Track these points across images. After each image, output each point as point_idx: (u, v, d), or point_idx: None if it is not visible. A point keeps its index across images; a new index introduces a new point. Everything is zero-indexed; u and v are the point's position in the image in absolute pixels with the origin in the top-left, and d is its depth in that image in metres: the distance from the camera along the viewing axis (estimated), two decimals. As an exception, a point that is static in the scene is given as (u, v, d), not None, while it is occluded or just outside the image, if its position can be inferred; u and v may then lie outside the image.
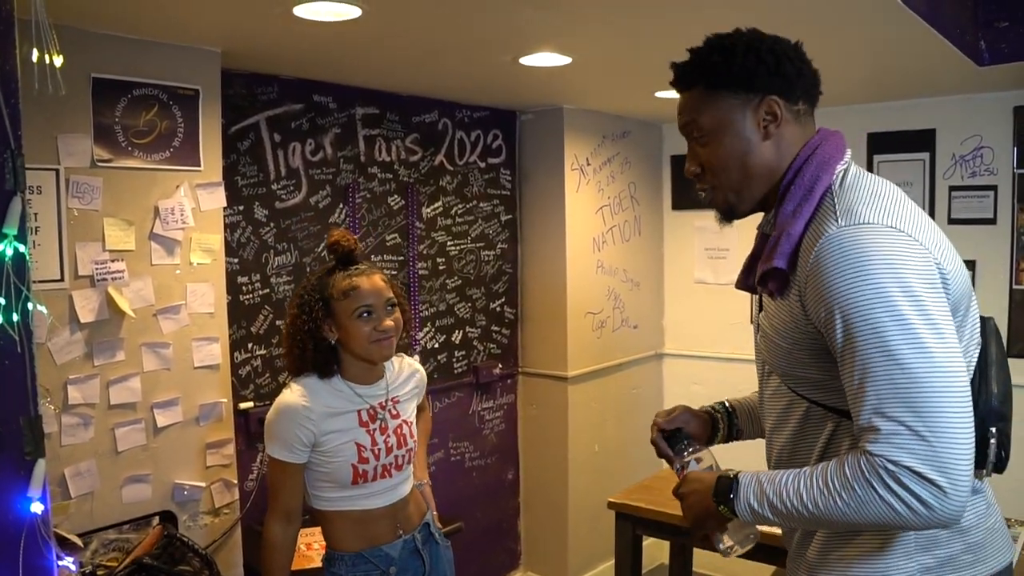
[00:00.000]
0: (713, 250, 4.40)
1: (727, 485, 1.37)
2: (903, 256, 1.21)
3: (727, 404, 1.83)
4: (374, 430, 2.08)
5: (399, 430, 2.14)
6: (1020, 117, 3.47)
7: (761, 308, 1.48)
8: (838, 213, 1.28)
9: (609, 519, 3.08)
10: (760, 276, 1.37)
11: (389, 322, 2.04)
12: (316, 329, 2.03)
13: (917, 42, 2.60)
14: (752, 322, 1.59)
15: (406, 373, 2.24)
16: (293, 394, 2.01)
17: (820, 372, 1.34)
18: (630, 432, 4.35)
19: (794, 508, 1.27)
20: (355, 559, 2.05)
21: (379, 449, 2.07)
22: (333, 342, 2.05)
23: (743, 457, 1.86)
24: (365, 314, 2.01)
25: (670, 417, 1.71)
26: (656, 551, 3.99)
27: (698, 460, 1.60)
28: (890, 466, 1.16)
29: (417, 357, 3.55)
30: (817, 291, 1.25)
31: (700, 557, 3.44)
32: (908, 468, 1.15)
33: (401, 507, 2.13)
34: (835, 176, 1.35)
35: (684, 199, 4.47)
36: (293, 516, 2.04)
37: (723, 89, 1.39)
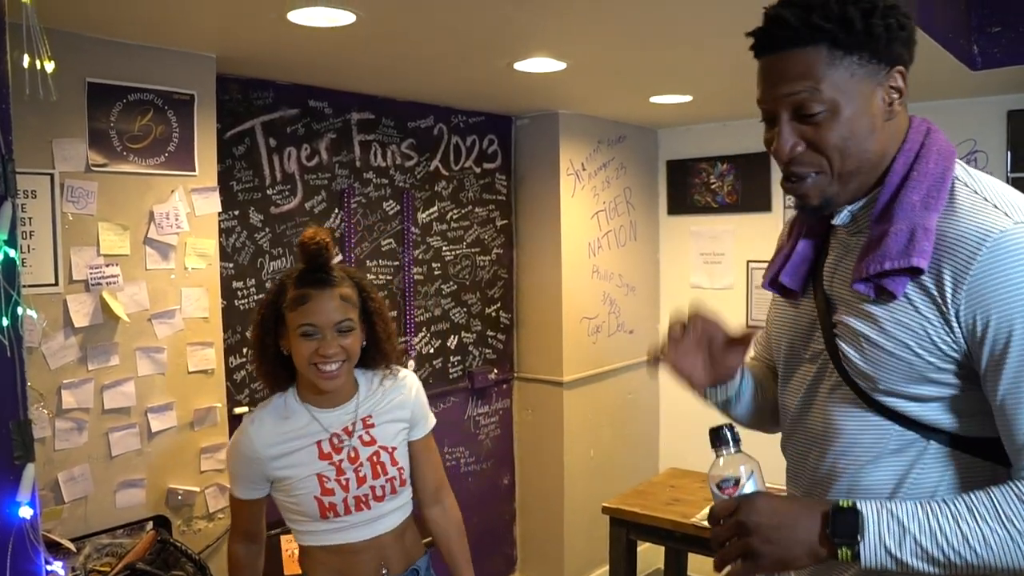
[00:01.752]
0: (708, 255, 4.40)
1: (850, 519, 1.09)
2: None
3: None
4: (340, 460, 1.85)
5: (374, 458, 1.88)
6: (1014, 121, 3.48)
7: (830, 309, 1.26)
8: (1000, 205, 1.11)
9: (605, 524, 3.08)
10: (876, 275, 1.15)
11: (335, 347, 1.78)
12: (269, 336, 1.85)
13: (910, 48, 2.60)
14: (762, 321, 1.41)
15: (388, 389, 1.97)
16: (242, 431, 1.86)
17: (937, 388, 1.15)
18: (625, 437, 4.36)
19: (956, 554, 1.05)
20: None
21: (347, 480, 1.84)
22: (286, 353, 1.85)
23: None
24: (307, 333, 1.78)
25: (704, 316, 1.38)
26: (651, 556, 3.98)
27: (750, 471, 1.20)
28: None
29: (412, 364, 3.55)
30: (984, 294, 1.07)
31: (695, 562, 3.44)
32: None
33: (389, 542, 1.91)
34: (956, 167, 1.19)
35: (680, 204, 4.47)
36: (255, 537, 1.96)
37: (854, 53, 1.13)
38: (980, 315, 1.08)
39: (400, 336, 3.53)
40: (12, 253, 1.11)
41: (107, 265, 2.37)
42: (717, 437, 1.23)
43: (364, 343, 1.90)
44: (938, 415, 1.16)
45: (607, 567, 3.14)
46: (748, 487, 1.17)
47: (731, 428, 1.23)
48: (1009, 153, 3.50)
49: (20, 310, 1.12)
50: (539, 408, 4.09)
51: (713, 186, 4.29)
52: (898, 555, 1.07)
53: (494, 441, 4.07)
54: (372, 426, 1.91)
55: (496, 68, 2.92)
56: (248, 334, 1.94)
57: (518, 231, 4.10)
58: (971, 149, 3.60)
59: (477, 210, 3.89)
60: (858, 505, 1.09)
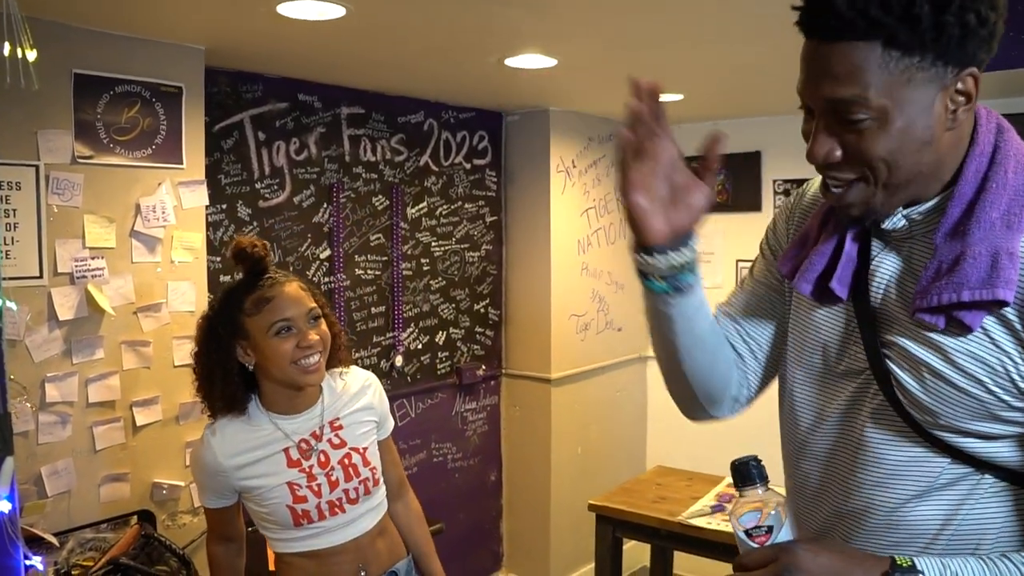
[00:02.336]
0: (698, 253, 4.40)
1: None
2: None
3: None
4: (310, 466, 1.80)
5: (345, 460, 1.84)
6: (1002, 125, 3.49)
7: (871, 324, 1.11)
8: None
9: (591, 521, 3.08)
10: (949, 305, 0.99)
11: (313, 335, 1.75)
12: (226, 357, 1.76)
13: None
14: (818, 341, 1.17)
15: (353, 389, 1.93)
16: (202, 443, 1.80)
17: (1005, 427, 1.02)
18: (613, 435, 4.36)
19: None
20: None
21: (319, 485, 1.80)
22: (251, 367, 1.78)
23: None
24: (284, 329, 1.73)
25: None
26: (637, 554, 3.99)
27: (784, 517, 1.02)
28: None
29: (400, 359, 3.55)
30: None
31: (681, 560, 3.45)
32: None
33: (366, 544, 1.87)
34: None
35: (670, 202, 4.46)
36: (232, 538, 1.93)
37: (915, 53, 0.93)
38: None
39: (388, 331, 3.52)
40: (-8, 244, 1.09)
41: (92, 258, 2.35)
42: (743, 475, 1.04)
43: None
44: (1000, 451, 1.04)
45: (593, 564, 3.15)
46: (782, 535, 1.00)
47: (757, 462, 1.05)
48: (997, 155, 3.51)
49: (0, 302, 1.11)
50: (527, 405, 4.09)
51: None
52: None
53: (481, 437, 4.07)
54: (340, 428, 1.87)
55: (487, 64, 2.91)
56: (192, 362, 1.83)
57: (508, 227, 4.10)
58: (960, 151, 3.61)
59: (467, 206, 3.88)
60: (918, 565, 0.96)
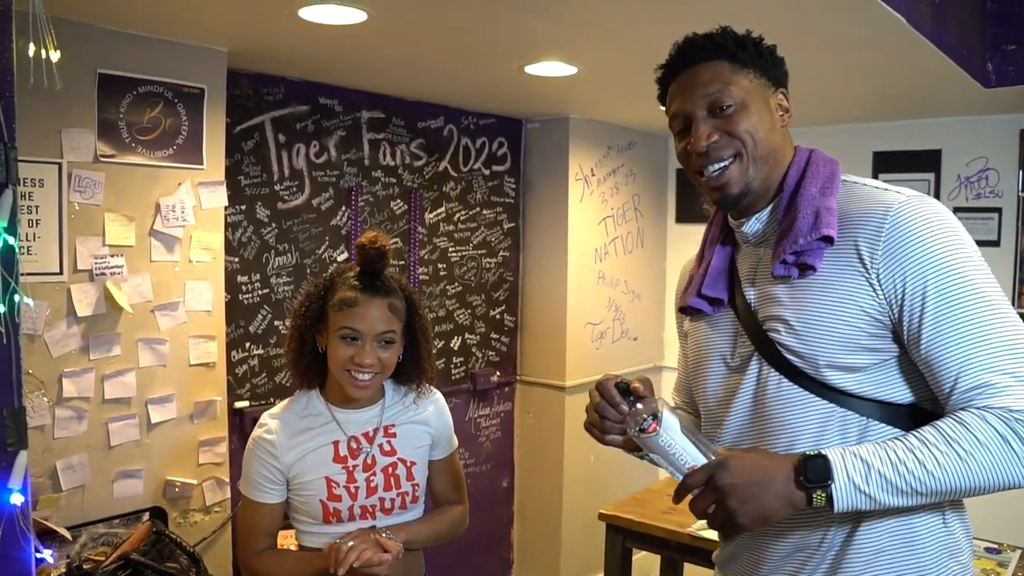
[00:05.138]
0: (715, 264, 4.39)
1: (820, 465, 1.17)
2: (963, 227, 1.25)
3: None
4: (354, 466, 1.79)
5: (390, 469, 1.82)
6: (1026, 141, 3.46)
7: (754, 312, 1.36)
8: (890, 190, 1.28)
9: (602, 530, 3.07)
10: (793, 254, 1.27)
11: (371, 357, 1.73)
12: (308, 331, 1.80)
13: (924, 63, 2.60)
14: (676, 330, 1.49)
15: (414, 402, 1.91)
16: (260, 428, 1.82)
17: (870, 356, 1.25)
18: (627, 444, 4.34)
19: (917, 480, 1.15)
20: None
21: (357, 488, 1.78)
22: (322, 351, 1.81)
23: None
24: (349, 337, 1.74)
25: (605, 378, 1.40)
26: (647, 564, 3.97)
27: (659, 406, 1.27)
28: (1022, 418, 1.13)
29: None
30: (899, 258, 1.20)
31: (691, 572, 3.42)
32: None
33: None
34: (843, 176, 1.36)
35: (688, 212, 4.46)
36: (273, 545, 1.84)
37: (749, 67, 1.34)
38: (898, 276, 1.20)
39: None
40: (11, 241, 1.11)
41: (112, 256, 2.38)
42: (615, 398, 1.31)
43: (401, 358, 1.85)
44: (880, 384, 1.26)
45: (603, 573, 3.13)
46: (666, 415, 1.23)
47: (618, 383, 1.32)
48: (1021, 172, 3.49)
49: (17, 298, 1.12)
50: (540, 412, 4.09)
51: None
52: (867, 491, 1.16)
53: (494, 443, 4.07)
54: (394, 435, 1.85)
55: (507, 71, 2.92)
56: (287, 323, 1.86)
57: (525, 234, 4.10)
58: (982, 167, 3.58)
59: (485, 212, 3.88)
60: (823, 451, 1.18)
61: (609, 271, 4.18)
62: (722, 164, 1.33)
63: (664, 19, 2.25)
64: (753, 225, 1.39)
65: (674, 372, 4.82)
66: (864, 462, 1.16)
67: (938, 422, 1.18)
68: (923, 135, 3.69)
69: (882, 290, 1.22)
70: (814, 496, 1.17)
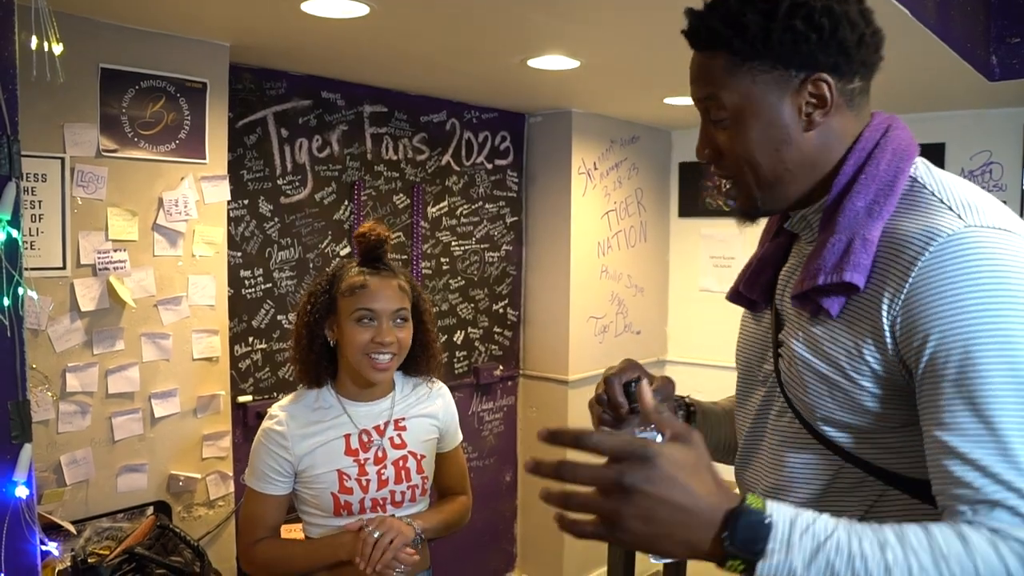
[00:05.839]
0: (719, 258, 4.39)
1: (755, 530, 0.83)
2: None
3: (687, 401, 1.37)
4: (365, 459, 1.81)
5: (401, 462, 1.84)
6: (1030, 134, 3.45)
7: (780, 327, 1.13)
8: (955, 207, 0.96)
9: (604, 524, 3.07)
10: (808, 291, 1.03)
11: (391, 335, 1.76)
12: (316, 328, 1.81)
13: (928, 56, 2.59)
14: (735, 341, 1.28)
15: (423, 394, 1.95)
16: (270, 420, 1.82)
17: (877, 421, 1.00)
18: (630, 438, 4.34)
19: None
20: None
21: (368, 481, 1.80)
22: (332, 344, 1.83)
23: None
24: (365, 319, 1.76)
25: (621, 371, 1.24)
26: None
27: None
28: None
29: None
30: (924, 304, 0.92)
31: (694, 567, 3.43)
32: None
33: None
34: (913, 169, 1.05)
35: (691, 206, 4.46)
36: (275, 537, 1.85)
37: (755, 61, 1.02)
38: (914, 330, 0.93)
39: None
40: (15, 234, 1.11)
41: (115, 250, 2.38)
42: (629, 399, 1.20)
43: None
44: (893, 452, 1.01)
45: (606, 568, 3.14)
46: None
47: (628, 384, 1.21)
48: (1025, 165, 3.48)
49: (21, 291, 1.13)
50: (544, 406, 4.09)
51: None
52: (801, 574, 0.83)
53: (497, 438, 4.07)
54: (404, 429, 1.87)
55: (510, 65, 2.91)
56: (290, 318, 1.86)
57: (528, 228, 4.10)
58: (986, 160, 3.57)
59: (487, 206, 3.88)
60: (768, 509, 0.84)
61: (612, 265, 4.17)
62: (725, 179, 1.12)
63: (666, 7, 2.24)
64: (799, 224, 1.14)
65: (677, 366, 4.83)
66: (815, 539, 0.83)
67: (934, 526, 0.86)
68: (927, 129, 3.68)
69: (895, 346, 0.96)
70: (728, 564, 0.84)
